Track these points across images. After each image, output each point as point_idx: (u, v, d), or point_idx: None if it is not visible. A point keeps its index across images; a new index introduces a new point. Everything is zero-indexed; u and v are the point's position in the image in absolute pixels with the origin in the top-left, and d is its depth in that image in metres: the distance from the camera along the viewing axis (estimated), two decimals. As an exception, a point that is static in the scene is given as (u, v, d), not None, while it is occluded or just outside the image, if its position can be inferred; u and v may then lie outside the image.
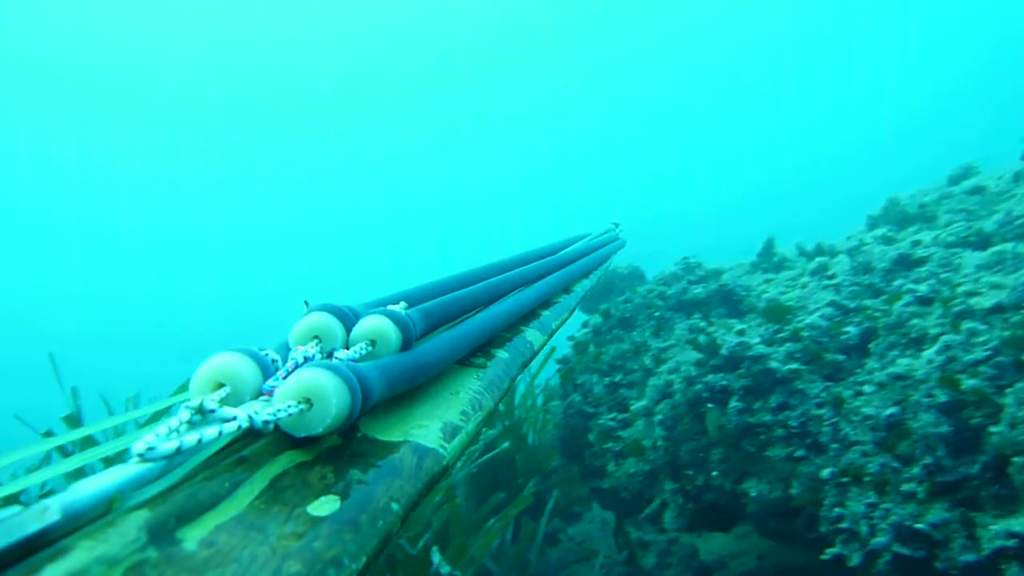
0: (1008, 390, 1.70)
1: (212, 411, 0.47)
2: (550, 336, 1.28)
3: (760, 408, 2.22)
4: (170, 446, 0.41)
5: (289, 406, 0.50)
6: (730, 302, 3.27)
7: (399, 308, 0.77)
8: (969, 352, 1.89)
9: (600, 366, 3.31)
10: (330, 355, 0.66)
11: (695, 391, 2.39)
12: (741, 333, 2.50)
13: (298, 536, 0.41)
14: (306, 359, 0.61)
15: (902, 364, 2.06)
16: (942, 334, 2.03)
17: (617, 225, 3.22)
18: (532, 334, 1.15)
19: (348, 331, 0.71)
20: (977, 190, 3.35)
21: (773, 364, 2.28)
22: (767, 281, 3.43)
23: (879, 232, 3.15)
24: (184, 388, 0.62)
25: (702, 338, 2.49)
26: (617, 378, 3.16)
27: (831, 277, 2.85)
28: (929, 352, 1.97)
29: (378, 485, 0.50)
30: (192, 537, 0.38)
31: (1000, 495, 1.62)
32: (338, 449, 0.54)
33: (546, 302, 1.42)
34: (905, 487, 1.76)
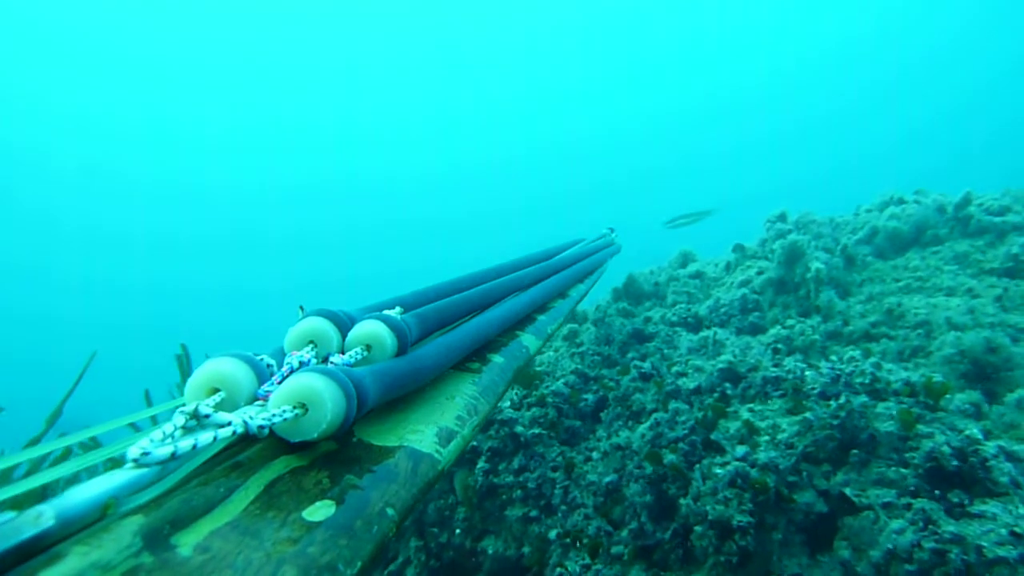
0: (696, 465, 2.00)
1: (207, 416, 0.47)
2: (546, 340, 1.28)
3: (504, 469, 2.42)
4: (165, 451, 0.41)
5: (284, 411, 0.50)
6: None
7: (394, 313, 0.77)
8: (672, 430, 2.19)
9: None
10: (325, 360, 0.66)
11: None
12: None
13: (293, 541, 0.41)
14: (301, 364, 0.61)
15: (623, 436, 2.34)
16: (655, 410, 2.36)
17: (612, 230, 3.23)
18: (528, 338, 1.16)
19: (343, 336, 0.71)
20: (698, 275, 4.00)
21: (519, 428, 2.49)
22: None
23: (621, 305, 3.69)
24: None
25: None
26: None
27: (579, 345, 3.27)
28: (643, 427, 2.27)
29: (373, 490, 0.50)
30: (187, 543, 0.38)
31: (685, 557, 1.90)
32: (333, 454, 0.54)
33: (542, 306, 1.42)
34: (615, 549, 1.99)
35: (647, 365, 2.69)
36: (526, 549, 2.21)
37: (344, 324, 0.71)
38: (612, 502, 2.14)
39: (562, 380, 2.82)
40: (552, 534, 2.13)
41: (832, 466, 1.86)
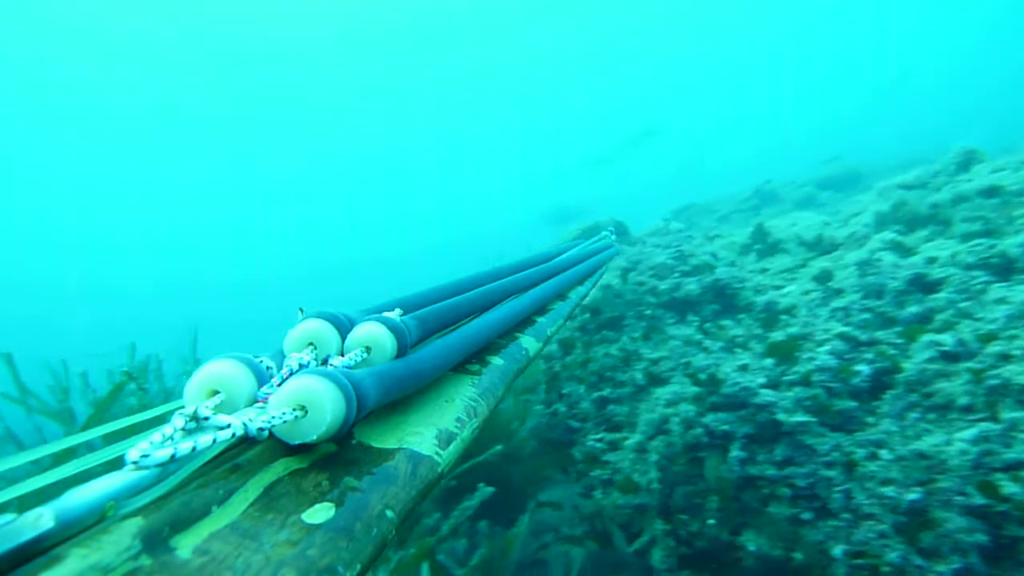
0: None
1: (206, 418, 0.47)
2: (546, 342, 1.28)
3: (764, 460, 2.05)
4: (164, 454, 0.41)
5: (284, 413, 0.50)
6: (724, 297, 3.05)
7: (394, 315, 0.77)
8: (1009, 448, 1.64)
9: (587, 376, 3.06)
10: (325, 362, 0.66)
11: (694, 435, 2.22)
12: (744, 369, 2.28)
13: (292, 544, 0.41)
14: (301, 366, 0.61)
15: (927, 442, 1.80)
16: (972, 408, 1.79)
17: (612, 232, 3.24)
18: (527, 340, 1.16)
19: (343, 338, 0.71)
20: (993, 192, 2.96)
21: (781, 416, 2.06)
22: (763, 271, 3.17)
23: (888, 236, 2.79)
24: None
25: (701, 372, 2.32)
26: (606, 392, 2.91)
27: (838, 293, 2.53)
28: (962, 438, 1.72)
29: (373, 492, 0.50)
30: (186, 545, 0.38)
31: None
32: (333, 456, 0.54)
33: (541, 308, 1.42)
34: (935, 594, 1.55)
35: (949, 340, 2.00)
36: (798, 555, 1.89)
37: (344, 326, 0.71)
38: (919, 525, 1.65)
39: (826, 348, 2.23)
40: (837, 551, 1.75)
41: None
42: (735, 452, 2.09)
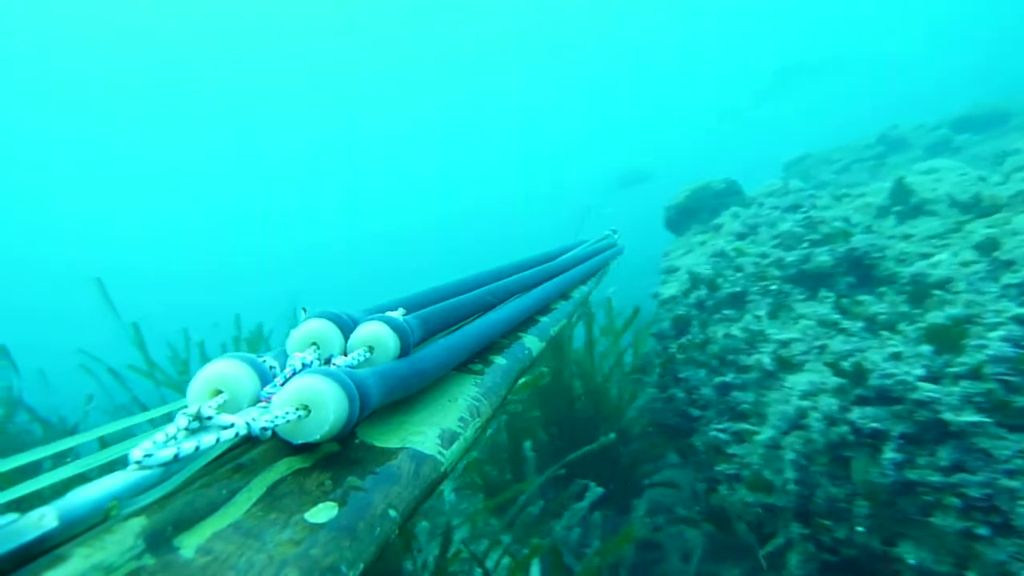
0: None
1: (210, 418, 0.47)
2: (549, 342, 1.28)
3: (926, 464, 1.79)
4: (167, 453, 0.42)
5: (287, 413, 0.50)
6: (860, 268, 2.64)
7: (397, 315, 0.77)
8: None
9: (708, 360, 2.76)
10: (328, 362, 0.66)
11: (838, 433, 1.96)
12: (896, 357, 1.98)
13: (295, 543, 0.41)
14: (304, 366, 0.61)
15: None
16: None
17: (615, 231, 3.24)
18: (530, 340, 1.16)
19: (346, 338, 0.71)
20: None
21: (947, 415, 1.77)
22: (906, 238, 2.76)
23: None
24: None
25: (843, 360, 2.04)
26: (728, 377, 2.63)
27: (1009, 265, 2.12)
28: None
29: (376, 492, 0.50)
30: (189, 544, 0.38)
31: None
32: (336, 456, 0.54)
33: (544, 308, 1.42)
34: None
35: None
36: (971, 574, 1.67)
37: (347, 326, 0.71)
38: None
39: (999, 333, 1.91)
40: (1024, 575, 1.50)
41: None
42: (889, 454, 1.85)
